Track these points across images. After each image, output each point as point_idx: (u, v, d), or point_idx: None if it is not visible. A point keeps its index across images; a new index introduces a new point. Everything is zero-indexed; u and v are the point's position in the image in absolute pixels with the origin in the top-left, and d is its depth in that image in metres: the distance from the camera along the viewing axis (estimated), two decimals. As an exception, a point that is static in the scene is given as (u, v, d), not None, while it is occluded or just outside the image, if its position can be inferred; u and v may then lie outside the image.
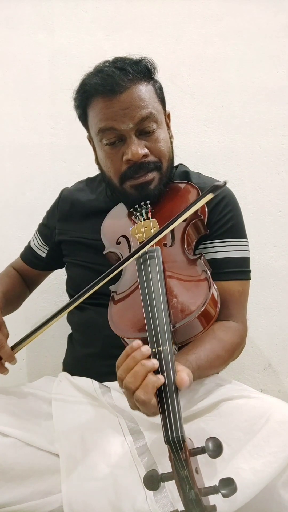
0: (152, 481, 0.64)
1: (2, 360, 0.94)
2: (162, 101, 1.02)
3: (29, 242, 1.24)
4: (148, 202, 0.98)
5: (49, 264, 1.21)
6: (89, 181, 1.20)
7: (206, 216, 0.98)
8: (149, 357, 0.71)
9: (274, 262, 1.39)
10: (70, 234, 1.12)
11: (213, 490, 0.61)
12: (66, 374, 1.05)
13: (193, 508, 0.60)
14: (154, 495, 0.75)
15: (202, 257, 0.89)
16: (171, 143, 1.04)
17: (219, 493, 0.60)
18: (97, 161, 1.06)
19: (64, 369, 1.09)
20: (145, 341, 0.77)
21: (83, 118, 1.03)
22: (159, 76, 1.02)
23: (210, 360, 0.86)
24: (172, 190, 1.03)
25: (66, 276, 1.17)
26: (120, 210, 1.06)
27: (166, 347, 0.71)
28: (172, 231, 0.94)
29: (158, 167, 0.98)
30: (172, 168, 1.05)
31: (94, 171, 1.11)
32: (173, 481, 0.64)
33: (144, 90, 0.95)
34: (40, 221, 1.23)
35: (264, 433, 0.75)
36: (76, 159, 1.44)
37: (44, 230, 1.20)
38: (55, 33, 1.47)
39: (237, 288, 1.00)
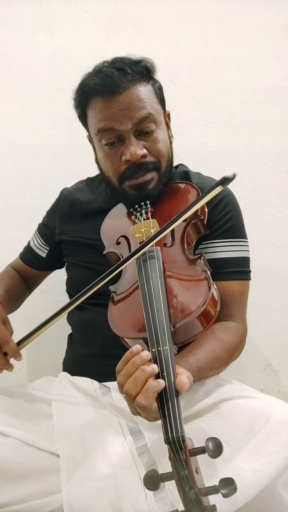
0: (152, 481, 0.64)
1: (8, 356, 0.93)
2: (162, 101, 1.02)
3: (29, 242, 1.24)
4: (148, 202, 0.98)
5: (49, 264, 1.21)
6: (89, 181, 1.20)
7: (206, 216, 0.98)
8: (149, 361, 0.71)
9: (274, 262, 1.39)
10: (70, 234, 1.12)
11: (213, 490, 0.61)
12: (66, 374, 1.05)
13: (193, 508, 0.60)
14: (154, 495, 0.75)
15: (202, 257, 0.89)
16: (171, 143, 1.04)
17: (219, 493, 0.60)
18: (96, 160, 1.07)
19: (64, 369, 1.09)
20: (145, 341, 0.77)
21: (83, 118, 1.03)
22: (159, 76, 1.02)
23: (211, 362, 0.86)
24: (172, 190, 1.03)
25: (66, 276, 1.17)
26: (120, 210, 1.06)
27: (166, 347, 0.71)
28: (172, 231, 0.94)
29: (157, 167, 0.98)
30: (172, 168, 1.05)
31: (94, 171, 1.11)
32: (173, 481, 0.64)
33: (143, 91, 0.95)
34: (40, 221, 1.23)
35: (264, 433, 0.75)
36: (76, 159, 1.44)
37: (44, 230, 1.20)
38: (55, 33, 1.47)
39: (237, 288, 1.00)
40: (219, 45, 1.42)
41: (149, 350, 0.72)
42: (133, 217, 1.00)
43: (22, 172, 1.47)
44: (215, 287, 0.87)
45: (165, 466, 0.72)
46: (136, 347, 0.72)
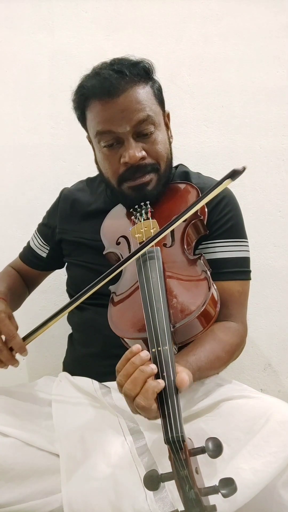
0: (152, 481, 0.64)
1: (14, 352, 0.93)
2: (161, 101, 1.02)
3: (28, 243, 1.24)
4: (147, 202, 0.99)
5: (49, 264, 1.21)
6: (89, 181, 1.20)
7: (206, 216, 0.98)
8: (149, 361, 0.71)
9: (274, 262, 1.39)
10: (71, 234, 1.12)
11: (213, 490, 0.61)
12: (66, 374, 1.05)
13: (193, 508, 0.60)
14: (154, 495, 0.75)
15: (202, 257, 0.89)
16: (170, 143, 1.04)
17: (219, 493, 0.60)
18: (96, 161, 1.07)
19: (64, 369, 1.09)
20: (144, 341, 0.77)
21: (82, 120, 1.03)
22: (159, 76, 1.02)
23: (210, 361, 0.86)
24: (171, 191, 1.03)
25: (66, 276, 1.17)
26: (120, 210, 1.06)
27: (166, 347, 0.71)
28: (172, 231, 0.94)
29: (155, 169, 0.98)
30: (171, 168, 1.05)
31: (94, 171, 1.11)
32: (173, 481, 0.64)
33: (142, 93, 0.95)
34: (40, 221, 1.23)
35: (264, 433, 0.75)
36: (76, 159, 1.44)
37: (45, 229, 1.20)
38: (55, 33, 1.47)
39: (237, 288, 1.00)
40: (219, 45, 1.42)
41: (149, 350, 0.72)
42: (133, 217, 1.00)
43: (22, 172, 1.47)
44: (215, 287, 0.87)
45: (165, 466, 0.72)
46: (136, 346, 0.72)
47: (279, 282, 1.39)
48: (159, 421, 0.67)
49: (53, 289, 1.42)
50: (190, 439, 0.67)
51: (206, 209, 0.99)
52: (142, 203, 0.99)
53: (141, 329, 0.79)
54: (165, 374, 0.69)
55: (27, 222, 1.39)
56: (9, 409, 0.91)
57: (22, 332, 0.94)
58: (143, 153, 0.96)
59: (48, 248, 1.19)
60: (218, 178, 0.82)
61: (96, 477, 0.80)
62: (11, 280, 1.18)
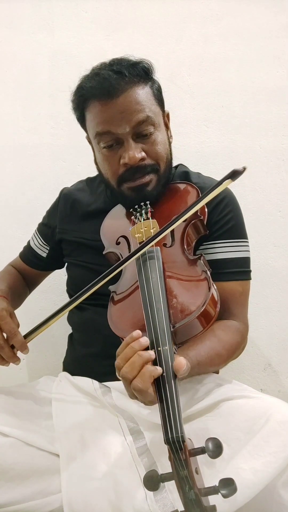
0: (152, 481, 0.64)
1: (15, 349, 0.93)
2: (161, 102, 1.02)
3: (28, 242, 1.24)
4: (147, 202, 0.98)
5: (49, 264, 1.21)
6: (89, 181, 1.20)
7: (206, 216, 0.98)
8: (147, 348, 0.71)
9: (274, 262, 1.39)
10: (71, 234, 1.12)
11: (213, 490, 0.61)
12: (66, 374, 1.05)
13: (193, 508, 0.60)
14: (154, 495, 0.75)
15: (202, 258, 0.89)
16: (170, 143, 1.04)
17: (219, 493, 0.60)
18: (95, 161, 1.07)
19: (64, 369, 1.09)
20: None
21: (81, 120, 1.03)
22: (159, 77, 1.02)
23: (210, 357, 0.86)
24: (172, 191, 1.03)
25: (66, 276, 1.17)
26: (119, 210, 1.06)
27: (166, 347, 0.72)
28: (172, 231, 0.94)
29: (155, 170, 0.98)
30: (171, 169, 1.05)
31: (94, 171, 1.11)
32: (173, 481, 0.64)
33: (141, 93, 0.95)
34: (40, 220, 1.23)
35: (264, 433, 0.75)
36: (76, 159, 1.44)
37: (45, 229, 1.20)
38: (55, 33, 1.47)
39: (238, 288, 1.00)
40: (219, 45, 1.42)
41: (148, 349, 0.72)
42: (133, 217, 1.00)
43: (22, 172, 1.47)
44: (215, 287, 0.86)
45: (165, 466, 0.72)
46: (137, 332, 0.73)
47: (279, 282, 1.39)
48: (159, 421, 0.67)
49: (53, 289, 1.42)
50: (190, 439, 0.67)
51: (206, 209, 0.99)
52: (142, 203, 0.99)
53: (141, 329, 0.78)
54: (165, 374, 0.69)
55: (27, 222, 1.39)
56: (9, 409, 0.91)
57: (22, 332, 0.94)
58: (143, 154, 0.96)
59: (48, 248, 1.19)
60: (218, 178, 0.82)
61: (96, 477, 0.80)
62: (11, 279, 1.18)
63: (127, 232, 0.98)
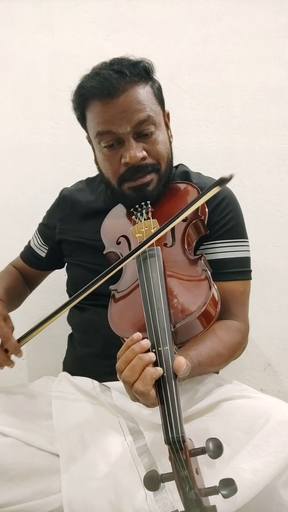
0: (152, 481, 0.64)
1: (9, 353, 0.94)
2: (161, 101, 1.02)
3: (29, 242, 1.24)
4: (148, 202, 0.98)
5: (48, 264, 1.21)
6: (89, 181, 1.20)
7: (207, 216, 0.98)
8: (148, 351, 0.71)
9: (274, 262, 1.39)
10: (71, 234, 1.12)
11: (213, 490, 0.61)
12: (66, 374, 1.05)
13: (193, 509, 0.60)
14: (154, 495, 0.75)
15: (203, 258, 0.89)
16: (170, 143, 1.04)
17: (219, 494, 0.60)
18: (96, 161, 1.07)
19: (64, 369, 1.09)
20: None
21: (82, 120, 1.03)
22: (159, 76, 1.02)
23: (211, 357, 0.86)
24: (172, 190, 1.03)
25: (66, 276, 1.17)
26: (120, 210, 1.06)
27: (166, 347, 0.71)
28: (173, 231, 0.94)
29: (156, 169, 0.98)
30: (171, 168, 1.05)
31: (94, 171, 1.11)
32: (173, 482, 0.64)
33: (142, 93, 0.95)
34: (40, 220, 1.23)
35: (264, 433, 0.75)
36: (76, 159, 1.44)
37: (44, 229, 1.20)
38: (55, 33, 1.47)
39: (238, 288, 1.00)
40: (219, 45, 1.42)
41: (149, 351, 0.72)
42: (133, 217, 1.00)
43: (22, 172, 1.47)
44: (216, 287, 0.86)
45: (165, 466, 0.72)
46: (137, 334, 0.73)
47: (279, 282, 1.39)
48: (159, 420, 0.67)
49: (53, 289, 1.42)
50: (190, 439, 0.67)
51: (206, 209, 0.99)
52: (143, 203, 0.99)
53: (141, 329, 0.78)
54: (165, 374, 0.69)
55: (27, 222, 1.39)
56: (9, 409, 0.91)
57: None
58: (144, 153, 0.96)
59: (47, 248, 1.19)
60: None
61: (96, 477, 0.80)
62: (11, 279, 1.18)
63: (128, 232, 0.98)
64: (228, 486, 0.60)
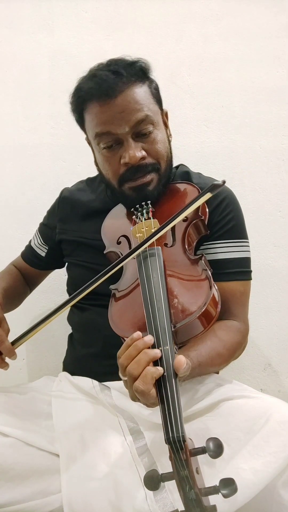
0: (152, 481, 0.64)
1: (3, 355, 0.94)
2: (159, 100, 1.02)
3: (30, 241, 1.24)
4: (149, 202, 0.98)
5: (48, 263, 1.21)
6: (90, 181, 1.20)
7: (207, 216, 0.98)
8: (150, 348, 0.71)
9: (274, 262, 1.39)
10: (71, 234, 1.12)
11: (214, 490, 0.61)
12: (66, 374, 1.05)
13: (193, 508, 0.60)
14: (154, 495, 0.75)
15: (203, 258, 0.89)
16: (169, 142, 1.04)
17: (220, 493, 0.60)
18: (96, 162, 1.07)
19: (64, 369, 1.09)
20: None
21: (80, 122, 1.03)
22: (159, 76, 1.02)
23: (211, 357, 0.86)
24: (173, 191, 1.03)
25: (66, 276, 1.17)
26: (120, 209, 1.06)
27: (166, 347, 0.71)
28: (173, 231, 0.94)
29: (156, 169, 0.98)
30: (171, 168, 1.05)
31: (94, 171, 1.11)
32: (173, 481, 0.64)
33: (139, 92, 0.95)
34: (40, 221, 1.24)
35: (264, 433, 0.75)
36: (76, 159, 1.44)
37: (45, 229, 1.20)
38: (55, 33, 1.47)
39: (239, 289, 1.00)
40: (219, 45, 1.42)
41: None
42: (134, 217, 1.00)
43: (22, 172, 1.47)
44: (216, 287, 0.86)
45: (165, 466, 0.72)
46: (137, 333, 0.73)
47: (279, 282, 1.39)
48: (159, 420, 0.67)
49: (53, 289, 1.42)
50: (190, 439, 0.67)
51: (207, 209, 0.99)
52: (143, 203, 0.99)
53: (141, 328, 0.78)
54: (165, 374, 0.69)
55: (27, 222, 1.39)
56: (9, 409, 0.91)
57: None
58: (143, 153, 0.96)
59: (47, 248, 1.19)
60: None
61: (96, 477, 0.80)
62: (11, 279, 1.18)
63: (128, 232, 0.98)
64: (228, 486, 0.60)
